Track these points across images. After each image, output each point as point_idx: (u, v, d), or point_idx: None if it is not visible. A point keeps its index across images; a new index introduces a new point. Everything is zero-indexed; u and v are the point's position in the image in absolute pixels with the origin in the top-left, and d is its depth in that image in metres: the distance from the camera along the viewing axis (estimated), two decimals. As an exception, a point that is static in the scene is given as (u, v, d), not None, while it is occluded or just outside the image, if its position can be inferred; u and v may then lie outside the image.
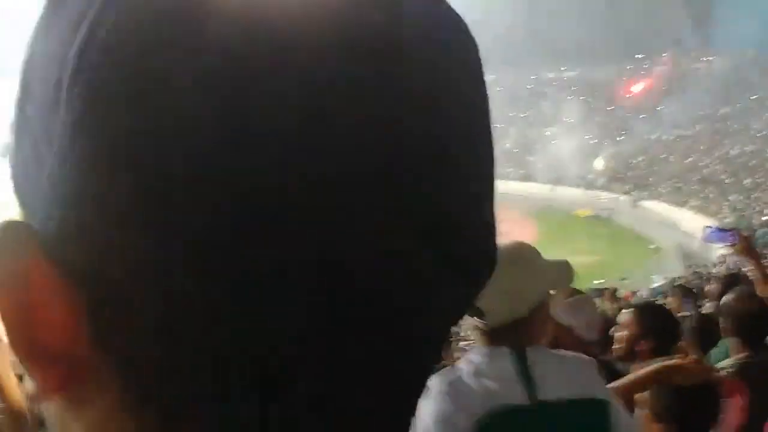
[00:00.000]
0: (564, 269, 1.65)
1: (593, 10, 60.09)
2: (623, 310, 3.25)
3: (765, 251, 19.21)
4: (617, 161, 48.40)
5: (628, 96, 58.34)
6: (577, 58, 64.36)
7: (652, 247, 31.13)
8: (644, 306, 3.66)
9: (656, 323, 2.77)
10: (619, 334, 2.80)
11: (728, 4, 54.20)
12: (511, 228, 30.77)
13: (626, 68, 63.47)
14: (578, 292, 3.30)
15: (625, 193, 43.45)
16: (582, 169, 48.05)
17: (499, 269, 0.23)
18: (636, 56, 63.90)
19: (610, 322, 3.73)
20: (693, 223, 35.51)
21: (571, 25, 60.46)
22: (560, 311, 2.96)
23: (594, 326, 3.06)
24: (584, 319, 2.75)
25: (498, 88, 68.05)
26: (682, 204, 39.12)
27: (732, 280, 4.57)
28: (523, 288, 1.49)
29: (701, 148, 47.37)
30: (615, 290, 11.96)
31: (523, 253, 1.63)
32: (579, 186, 46.37)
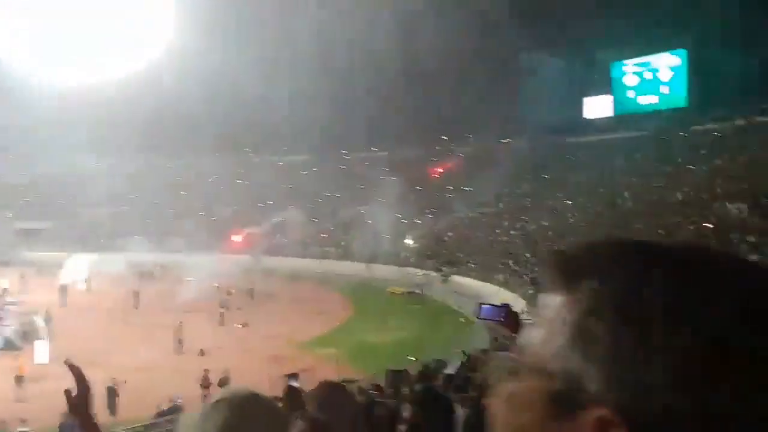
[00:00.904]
0: None
1: (402, 93, 62.71)
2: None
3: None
4: (428, 238, 49.94)
5: (436, 176, 61.02)
6: (387, 139, 66.67)
7: (462, 320, 31.93)
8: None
9: None
10: None
11: (528, 91, 58.48)
12: (328, 305, 30.36)
13: (435, 149, 66.53)
14: (335, 384, 3.07)
15: (436, 269, 44.73)
16: (395, 246, 49.19)
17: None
18: (442, 137, 67.27)
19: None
20: (499, 295, 37.13)
21: (380, 108, 62.58)
22: (315, 408, 2.75)
23: (348, 419, 2.86)
24: (339, 413, 2.66)
25: (313, 169, 68.94)
26: (488, 278, 40.63)
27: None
28: None
29: (504, 224, 49.92)
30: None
31: None
32: (392, 264, 47.31)
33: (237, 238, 54.59)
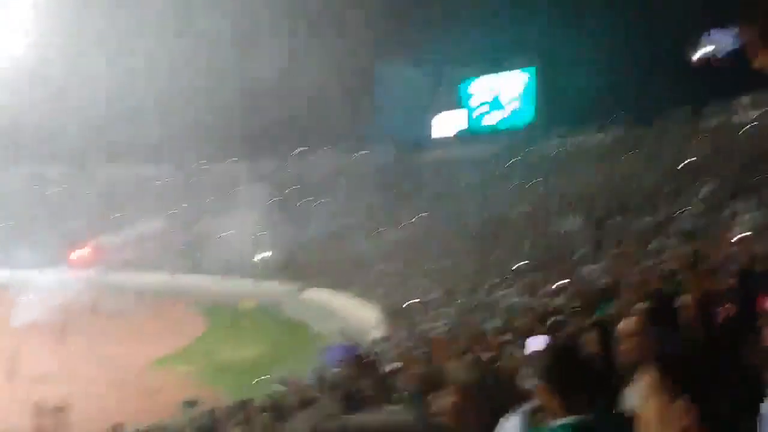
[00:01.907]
0: None
1: (261, 104, 62.28)
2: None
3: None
4: (284, 251, 49.62)
5: (290, 189, 60.68)
6: (243, 150, 65.91)
7: (314, 333, 32.06)
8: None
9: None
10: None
11: (381, 106, 59.34)
12: (180, 322, 29.54)
13: (287, 161, 66.35)
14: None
15: (289, 282, 44.55)
16: (249, 261, 48.55)
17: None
18: (297, 150, 67.21)
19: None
20: (353, 309, 37.63)
21: (236, 117, 61.95)
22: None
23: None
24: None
25: (167, 179, 66.84)
26: (342, 290, 40.97)
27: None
28: None
29: (359, 237, 50.49)
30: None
31: None
32: (247, 278, 46.64)
33: (83, 252, 51.76)
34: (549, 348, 3.12)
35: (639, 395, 1.77)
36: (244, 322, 36.79)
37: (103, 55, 61.46)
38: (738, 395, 1.78)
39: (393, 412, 1.08)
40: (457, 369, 2.99)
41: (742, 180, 25.61)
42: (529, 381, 4.32)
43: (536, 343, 7.04)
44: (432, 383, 3.83)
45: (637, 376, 2.93)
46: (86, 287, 38.73)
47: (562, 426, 2.46)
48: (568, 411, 2.49)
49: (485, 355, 8.07)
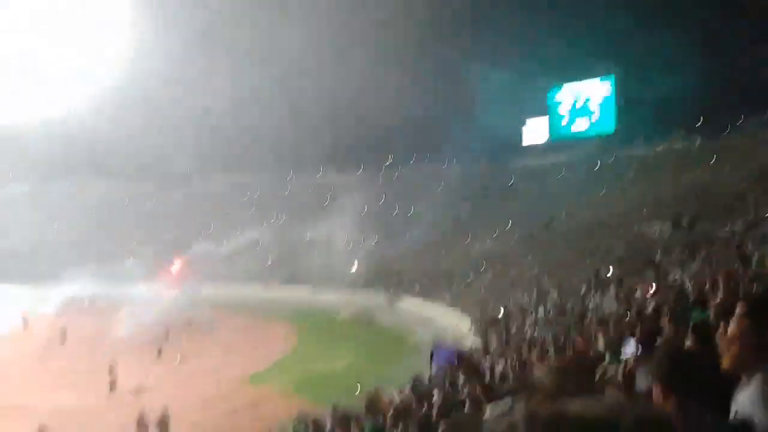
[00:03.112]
0: None
1: (351, 117, 62.74)
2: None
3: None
4: (374, 262, 49.31)
5: (382, 201, 60.54)
6: (329, 163, 66.35)
7: (410, 345, 31.32)
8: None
9: None
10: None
11: (460, 118, 59.32)
12: (274, 335, 29.27)
13: (378, 173, 66.41)
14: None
15: (383, 292, 44.16)
16: (342, 271, 48.41)
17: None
18: (387, 163, 67.29)
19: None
20: (446, 317, 36.85)
21: (328, 130, 62.52)
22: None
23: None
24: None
25: (254, 194, 67.81)
26: (435, 300, 40.41)
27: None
28: None
29: (451, 247, 49.93)
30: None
31: None
32: (340, 288, 46.47)
33: (178, 266, 52.68)
34: (670, 353, 3.11)
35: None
36: (338, 333, 36.47)
37: (194, 72, 62.90)
38: None
39: (609, 399, 1.00)
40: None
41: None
42: (643, 383, 4.59)
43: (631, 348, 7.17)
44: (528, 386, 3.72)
45: (744, 380, 2.97)
46: (181, 302, 39.22)
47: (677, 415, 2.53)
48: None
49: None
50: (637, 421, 0.86)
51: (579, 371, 3.00)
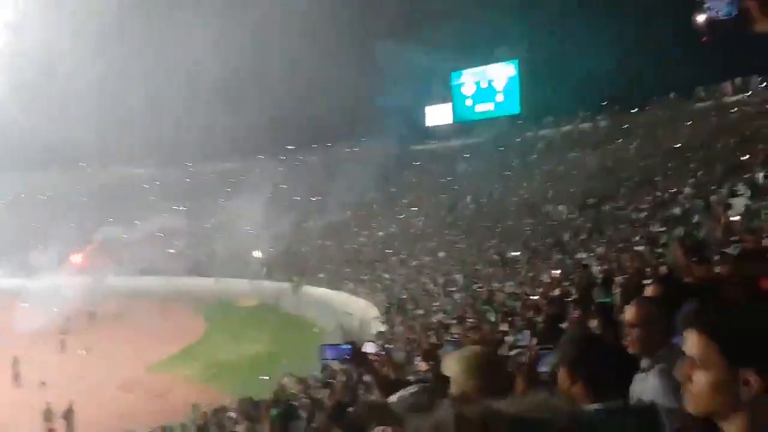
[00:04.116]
0: None
1: (243, 103, 62.37)
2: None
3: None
4: (277, 249, 49.62)
5: (285, 187, 60.60)
6: (232, 152, 65.90)
7: (315, 330, 32.17)
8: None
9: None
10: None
11: (378, 97, 59.33)
12: (180, 323, 29.49)
13: (280, 159, 66.30)
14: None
15: (288, 280, 44.61)
16: (246, 259, 48.62)
17: None
18: (288, 147, 67.23)
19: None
20: (351, 303, 37.79)
21: (224, 117, 61.91)
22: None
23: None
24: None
25: (156, 182, 66.71)
26: (339, 286, 41.12)
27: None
28: None
29: (353, 231, 50.69)
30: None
31: None
32: (242, 277, 46.71)
33: (77, 258, 51.61)
34: (576, 337, 3.03)
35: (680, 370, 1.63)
36: (244, 321, 36.91)
37: (90, 55, 61.12)
38: None
39: (537, 398, 1.03)
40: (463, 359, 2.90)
41: (732, 163, 25.88)
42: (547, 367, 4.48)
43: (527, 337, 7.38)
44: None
45: (644, 363, 3.06)
46: (85, 292, 38.74)
47: (597, 411, 2.51)
48: (595, 397, 2.56)
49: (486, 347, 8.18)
50: (571, 420, 0.85)
51: (490, 361, 2.92)
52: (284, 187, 59.47)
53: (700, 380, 1.57)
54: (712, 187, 22.96)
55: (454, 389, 2.72)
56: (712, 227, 12.65)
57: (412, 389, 2.54)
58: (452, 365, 2.86)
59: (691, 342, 1.63)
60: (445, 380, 2.79)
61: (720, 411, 1.55)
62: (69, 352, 31.21)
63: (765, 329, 1.56)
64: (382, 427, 2.30)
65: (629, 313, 3.24)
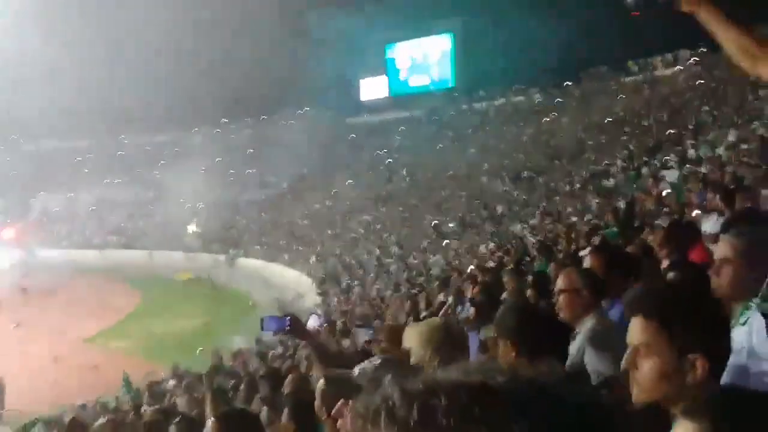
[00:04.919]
0: None
1: (178, 75, 61.33)
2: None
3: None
4: (212, 222, 49.50)
5: (219, 159, 60.21)
6: (167, 123, 64.86)
7: (250, 303, 32.47)
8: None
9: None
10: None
11: (309, 71, 59.09)
12: (113, 297, 29.26)
13: (215, 132, 65.66)
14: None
15: (222, 253, 44.66)
16: (180, 233, 48.38)
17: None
18: (222, 120, 66.57)
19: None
20: (286, 276, 38.22)
21: (157, 87, 60.85)
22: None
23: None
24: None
25: (90, 155, 65.33)
26: (274, 259, 41.41)
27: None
28: None
29: (289, 204, 50.84)
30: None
31: None
32: (177, 250, 46.53)
33: (9, 232, 50.33)
34: (517, 308, 3.08)
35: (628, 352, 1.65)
36: (179, 295, 36.94)
37: (21, 27, 59.10)
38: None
39: (484, 364, 0.92)
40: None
41: (663, 135, 26.67)
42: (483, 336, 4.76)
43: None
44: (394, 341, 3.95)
45: (577, 330, 3.18)
46: (16, 267, 38.14)
47: (540, 374, 2.96)
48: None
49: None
50: (530, 385, 0.81)
51: (448, 332, 2.91)
52: (219, 159, 59.11)
53: (646, 368, 1.57)
54: (644, 159, 23.48)
55: (413, 361, 2.79)
56: (643, 199, 13.28)
57: (375, 360, 2.45)
58: (411, 337, 2.96)
59: (638, 329, 1.62)
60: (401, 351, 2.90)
61: (667, 398, 1.56)
62: (0, 327, 30.85)
63: (710, 314, 1.61)
64: (343, 401, 2.26)
65: (559, 281, 3.41)
